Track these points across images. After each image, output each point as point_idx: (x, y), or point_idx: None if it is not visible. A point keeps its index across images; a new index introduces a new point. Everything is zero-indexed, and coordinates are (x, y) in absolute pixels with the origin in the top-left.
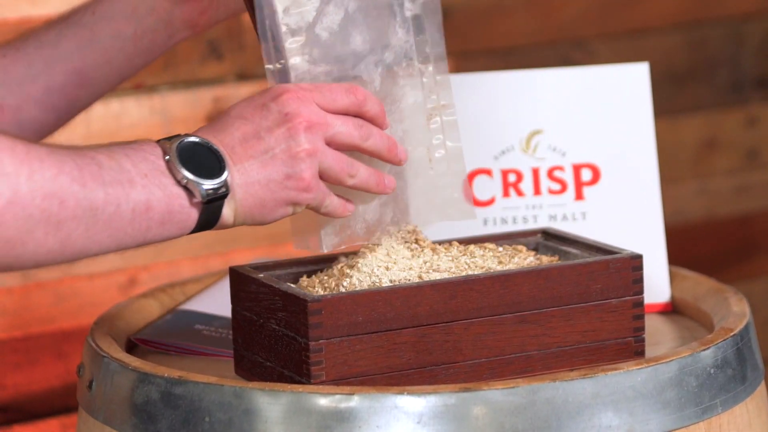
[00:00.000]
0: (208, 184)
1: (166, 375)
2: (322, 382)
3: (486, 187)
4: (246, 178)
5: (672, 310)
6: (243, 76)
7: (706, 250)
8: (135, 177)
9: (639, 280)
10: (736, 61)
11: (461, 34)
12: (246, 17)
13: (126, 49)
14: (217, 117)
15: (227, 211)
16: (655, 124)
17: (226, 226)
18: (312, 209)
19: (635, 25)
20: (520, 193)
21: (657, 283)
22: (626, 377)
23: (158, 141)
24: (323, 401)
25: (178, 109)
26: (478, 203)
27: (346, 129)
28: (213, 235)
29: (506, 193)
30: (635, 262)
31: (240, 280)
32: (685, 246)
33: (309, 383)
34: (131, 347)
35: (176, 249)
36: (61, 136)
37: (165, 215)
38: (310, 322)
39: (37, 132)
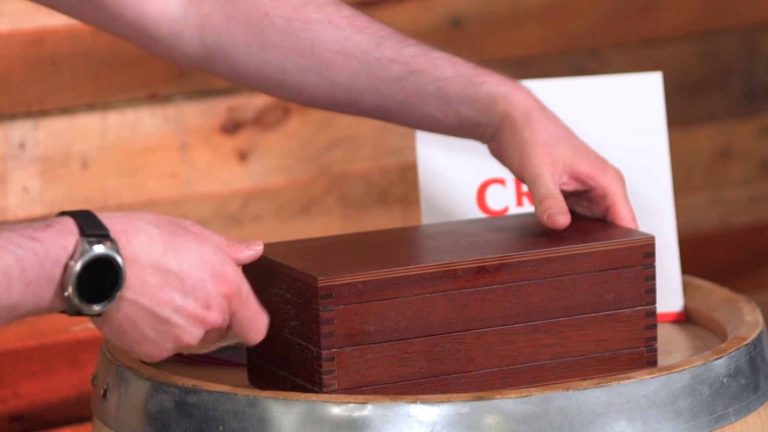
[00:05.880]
0: (83, 308)
1: (180, 384)
2: (334, 391)
3: (500, 197)
4: (130, 308)
5: (685, 319)
6: None
7: (719, 259)
8: (14, 284)
9: (652, 290)
10: (750, 71)
11: (475, 43)
12: None
13: None
14: (174, 252)
15: (96, 324)
16: (668, 133)
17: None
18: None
19: (648, 35)
20: (533, 202)
21: (670, 293)
22: (639, 386)
23: (83, 234)
24: (336, 410)
25: (193, 119)
26: (491, 212)
27: None
28: None
29: (519, 203)
30: (648, 272)
31: (252, 288)
32: (699, 255)
33: (321, 392)
34: None
35: None
36: (78, 144)
37: (25, 314)
38: (322, 331)
39: None
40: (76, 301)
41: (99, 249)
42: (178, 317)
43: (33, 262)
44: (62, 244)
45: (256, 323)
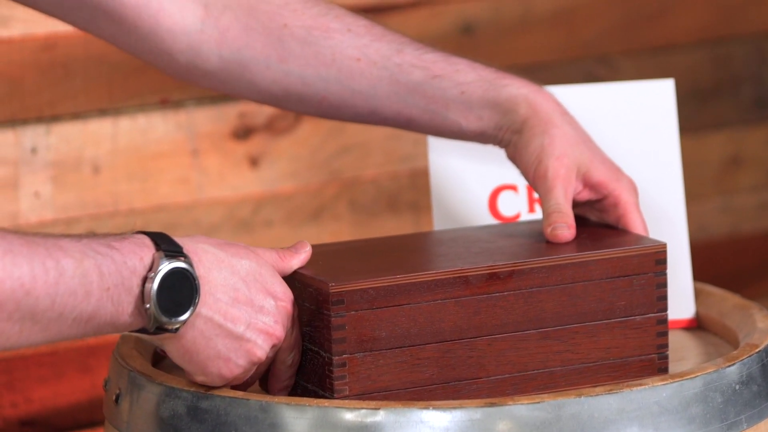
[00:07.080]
0: (165, 321)
1: (192, 389)
2: (345, 397)
3: (512, 203)
4: (203, 326)
5: (697, 326)
6: None
7: (730, 266)
8: (94, 290)
9: (663, 297)
10: (761, 78)
11: (485, 50)
12: None
13: None
14: (230, 260)
15: (168, 345)
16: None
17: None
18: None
19: (659, 42)
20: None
21: (682, 299)
22: (651, 393)
23: (158, 248)
24: (349, 416)
25: (204, 125)
26: (503, 218)
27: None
28: None
29: (531, 209)
30: (660, 279)
31: None
32: (710, 262)
33: (332, 398)
34: (158, 360)
35: None
36: (90, 149)
37: (105, 326)
38: (333, 337)
39: None
40: (158, 313)
41: (176, 263)
42: (251, 332)
43: (111, 268)
44: (139, 255)
45: (299, 344)
